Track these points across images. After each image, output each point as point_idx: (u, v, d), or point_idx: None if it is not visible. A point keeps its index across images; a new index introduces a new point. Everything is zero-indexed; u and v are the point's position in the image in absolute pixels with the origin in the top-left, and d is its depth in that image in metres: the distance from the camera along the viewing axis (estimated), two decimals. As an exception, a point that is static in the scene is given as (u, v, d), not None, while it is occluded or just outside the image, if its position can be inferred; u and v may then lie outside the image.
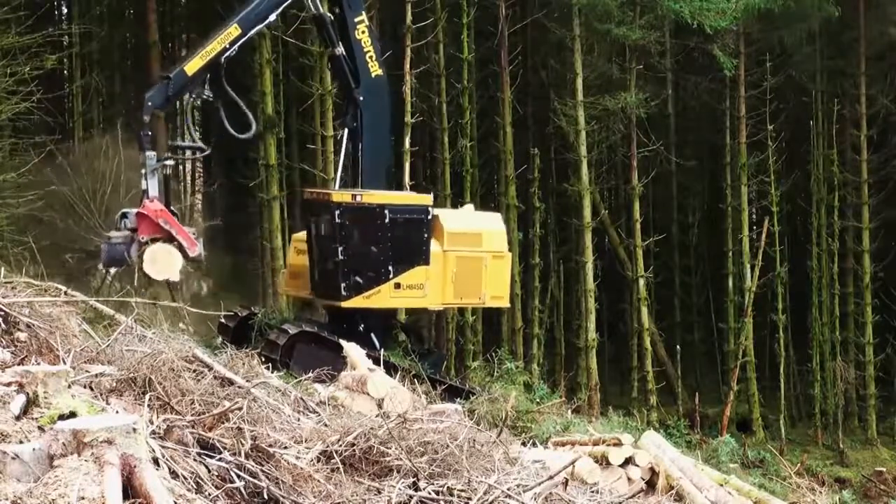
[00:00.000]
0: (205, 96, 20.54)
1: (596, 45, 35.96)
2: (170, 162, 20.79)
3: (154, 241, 19.95)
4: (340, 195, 20.99)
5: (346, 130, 22.14)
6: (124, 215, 20.43)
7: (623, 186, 39.76)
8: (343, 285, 20.61)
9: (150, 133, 20.49)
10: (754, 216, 40.73)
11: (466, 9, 33.61)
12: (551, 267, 38.62)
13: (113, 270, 20.89)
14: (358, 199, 20.96)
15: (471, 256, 21.90)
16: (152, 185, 20.02)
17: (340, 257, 20.55)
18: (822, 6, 35.07)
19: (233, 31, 20.36)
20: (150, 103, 20.16)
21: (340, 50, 21.69)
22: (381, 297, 21.14)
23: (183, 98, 20.95)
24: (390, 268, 20.95)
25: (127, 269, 20.35)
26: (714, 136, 41.46)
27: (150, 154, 20.09)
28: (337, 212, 20.53)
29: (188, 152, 22.28)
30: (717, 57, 34.84)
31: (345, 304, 20.87)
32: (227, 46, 20.35)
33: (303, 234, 22.75)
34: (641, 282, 35.60)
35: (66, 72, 34.05)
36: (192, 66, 20.10)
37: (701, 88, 39.96)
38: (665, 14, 33.88)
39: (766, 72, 37.14)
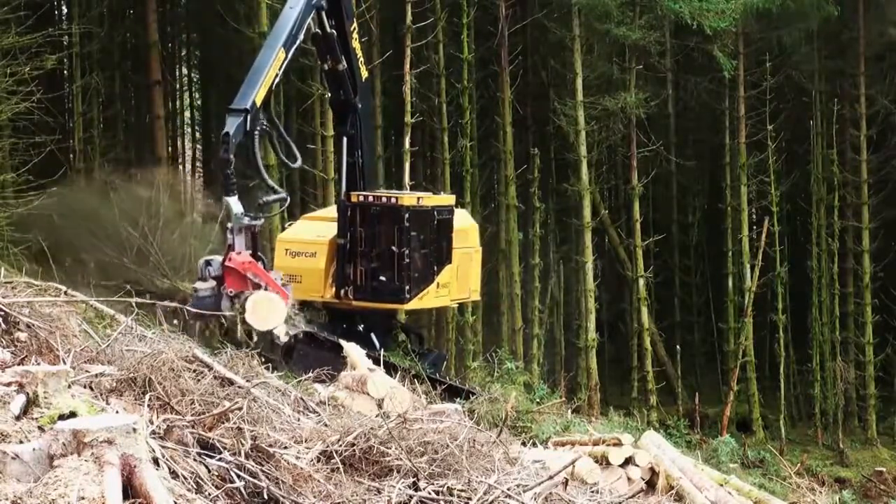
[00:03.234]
0: (264, 127, 19.93)
1: (596, 45, 35.97)
2: (259, 222, 19.90)
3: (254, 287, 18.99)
4: (409, 199, 21.46)
5: (345, 139, 22.09)
6: (208, 263, 19.67)
7: (623, 186, 39.76)
8: (407, 288, 20.99)
9: (234, 174, 19.50)
10: (754, 216, 40.71)
11: (466, 9, 33.59)
12: (551, 267, 38.61)
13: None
14: (421, 202, 21.37)
15: (466, 253, 22.33)
16: (238, 242, 19.33)
17: (406, 260, 20.76)
18: (821, 6, 35.07)
19: (281, 55, 20.01)
20: (234, 140, 19.24)
21: (344, 65, 21.53)
22: (429, 298, 21.68)
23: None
24: (435, 268, 21.36)
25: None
26: (714, 136, 41.44)
27: (238, 211, 19.27)
28: (406, 216, 20.91)
29: (276, 206, 21.45)
30: (716, 57, 34.85)
31: (407, 307, 21.28)
32: (279, 72, 20.10)
33: (290, 235, 22.72)
34: (641, 282, 35.61)
35: (66, 72, 34.01)
36: (261, 95, 19.54)
37: (701, 88, 39.94)
38: (665, 14, 33.91)
39: (765, 72, 37.14)
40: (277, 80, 20.36)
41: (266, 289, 19.16)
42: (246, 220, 19.40)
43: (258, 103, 19.55)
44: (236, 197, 19.50)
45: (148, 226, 24.15)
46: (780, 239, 37.89)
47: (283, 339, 19.23)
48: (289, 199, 21.14)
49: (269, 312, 18.74)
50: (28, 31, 24.89)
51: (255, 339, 18.58)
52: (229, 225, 19.75)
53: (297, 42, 20.66)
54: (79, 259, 23.61)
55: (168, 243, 23.85)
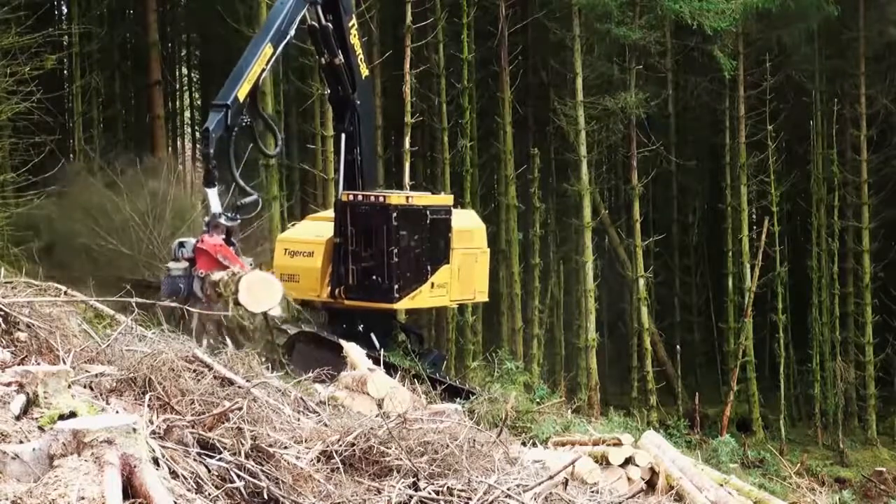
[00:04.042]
0: (245, 122, 19.85)
1: (596, 45, 35.96)
2: (234, 223, 19.72)
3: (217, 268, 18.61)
4: (397, 198, 21.46)
5: (344, 136, 22.10)
6: (181, 244, 19.56)
7: (623, 186, 39.77)
8: (396, 287, 20.99)
9: (216, 165, 19.38)
10: (754, 216, 40.72)
11: (466, 9, 33.60)
12: (551, 267, 38.61)
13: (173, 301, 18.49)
14: (410, 200, 21.41)
15: (469, 253, 22.33)
16: (213, 232, 19.26)
17: (395, 259, 20.79)
18: (821, 6, 35.06)
19: (268, 50, 19.90)
20: (213, 135, 19.12)
21: (341, 59, 21.53)
22: (422, 298, 21.62)
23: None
24: (428, 267, 21.39)
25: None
26: (714, 136, 41.47)
27: (216, 211, 19.23)
28: (394, 214, 20.91)
29: (251, 208, 21.31)
30: (716, 57, 34.85)
31: (397, 306, 21.29)
32: (265, 67, 20.05)
33: (289, 235, 22.75)
34: (641, 282, 35.60)
35: (66, 72, 34.03)
36: (243, 91, 19.43)
37: (701, 88, 39.94)
38: (665, 14, 33.90)
39: (765, 72, 37.15)
40: (264, 75, 20.28)
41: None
42: (222, 220, 19.43)
43: (240, 98, 19.49)
44: (216, 190, 19.51)
45: (153, 216, 24.16)
46: (780, 239, 37.90)
47: (279, 317, 18.93)
48: (260, 202, 21.14)
49: (264, 294, 18.20)
50: (28, 31, 24.89)
51: (253, 325, 18.36)
52: (205, 219, 19.80)
53: (287, 37, 20.59)
54: (81, 250, 23.56)
55: (174, 234, 23.81)
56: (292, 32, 20.63)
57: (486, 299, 24.82)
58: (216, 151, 19.35)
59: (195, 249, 19.26)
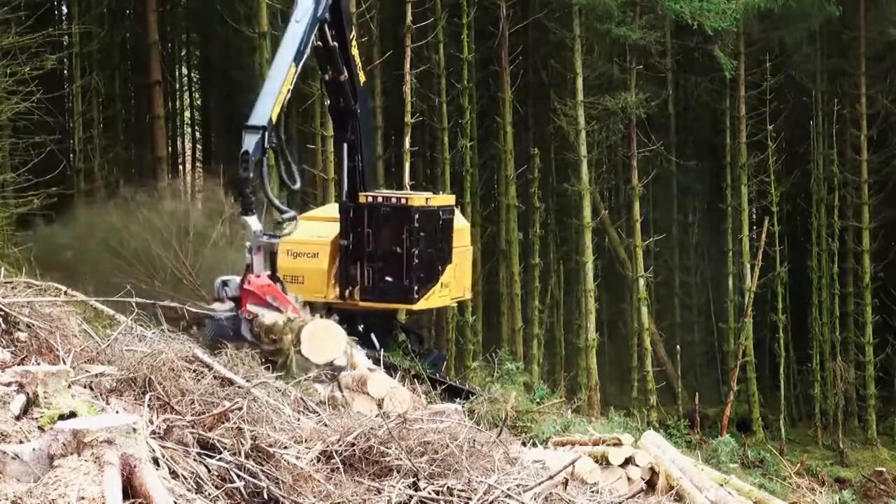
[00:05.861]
0: (274, 144, 19.70)
1: (596, 45, 35.96)
2: (277, 240, 19.36)
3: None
4: (419, 199, 21.58)
5: (346, 145, 22.00)
6: (225, 283, 19.10)
7: (623, 186, 39.75)
8: (416, 288, 21.12)
9: (253, 191, 19.10)
10: (754, 216, 40.72)
11: (466, 9, 33.58)
12: (551, 267, 38.60)
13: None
14: (429, 202, 21.45)
15: (461, 252, 22.48)
16: (257, 262, 18.82)
17: (416, 261, 20.81)
18: (823, 6, 35.07)
19: (292, 70, 19.84)
20: (253, 157, 18.82)
21: (346, 75, 21.47)
22: (434, 298, 21.81)
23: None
24: (439, 268, 21.42)
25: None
26: (714, 136, 41.44)
27: (257, 229, 18.84)
28: (416, 216, 21.01)
29: (290, 225, 20.93)
30: (717, 57, 34.85)
31: (416, 307, 21.38)
32: (290, 87, 19.95)
33: (290, 236, 22.65)
34: (641, 282, 35.59)
35: (66, 72, 34.01)
36: (276, 113, 19.36)
37: (701, 88, 39.93)
38: (665, 14, 33.90)
39: (765, 72, 37.15)
40: (289, 95, 20.28)
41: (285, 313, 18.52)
42: (265, 239, 19.03)
43: (274, 119, 19.37)
44: (255, 216, 19.20)
45: (178, 244, 23.48)
46: (780, 239, 37.90)
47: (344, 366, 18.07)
48: (298, 219, 21.03)
49: (326, 342, 17.35)
50: (28, 31, 24.90)
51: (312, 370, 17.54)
52: (247, 244, 19.33)
53: (306, 56, 20.58)
54: (107, 283, 22.96)
55: (202, 262, 23.16)
56: (308, 51, 20.64)
57: (471, 296, 24.97)
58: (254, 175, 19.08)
59: (240, 289, 18.76)
